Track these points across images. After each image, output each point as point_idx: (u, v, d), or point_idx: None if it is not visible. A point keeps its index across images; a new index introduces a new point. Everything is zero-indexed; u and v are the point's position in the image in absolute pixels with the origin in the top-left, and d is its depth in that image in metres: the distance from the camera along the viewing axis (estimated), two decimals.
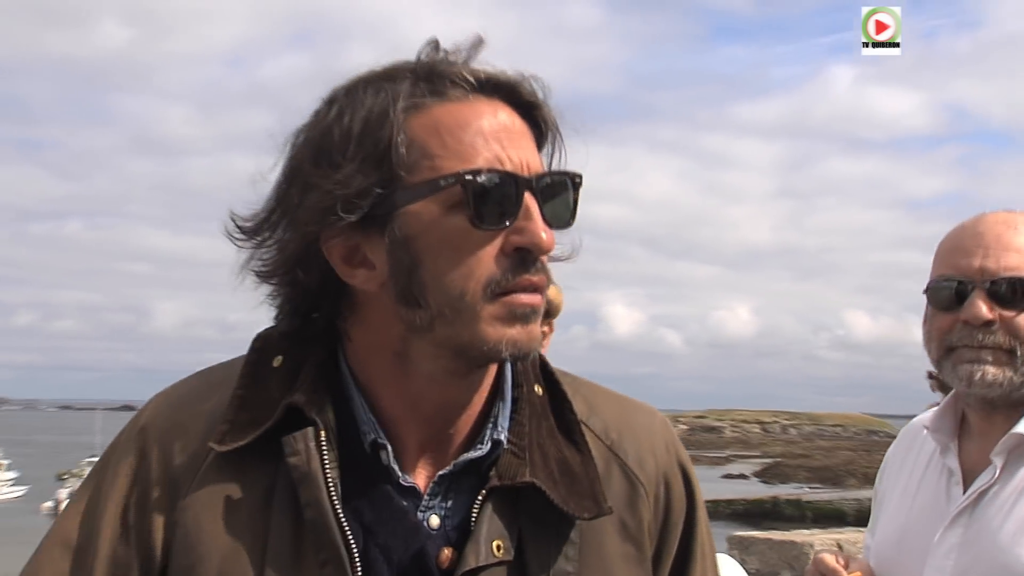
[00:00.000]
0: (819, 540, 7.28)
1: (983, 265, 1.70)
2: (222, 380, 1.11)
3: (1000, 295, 1.69)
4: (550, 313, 2.65)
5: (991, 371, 1.69)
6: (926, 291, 1.79)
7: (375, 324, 1.08)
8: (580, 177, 1.08)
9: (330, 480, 1.02)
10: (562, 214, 1.07)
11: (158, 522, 1.06)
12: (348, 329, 1.10)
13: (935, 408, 1.90)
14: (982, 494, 1.72)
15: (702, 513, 1.22)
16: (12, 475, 69.41)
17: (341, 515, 1.01)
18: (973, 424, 1.81)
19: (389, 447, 1.07)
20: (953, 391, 1.84)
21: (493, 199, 1.01)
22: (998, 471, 1.70)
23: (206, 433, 1.07)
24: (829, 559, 1.78)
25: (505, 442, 1.10)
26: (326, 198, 1.01)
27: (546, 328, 2.69)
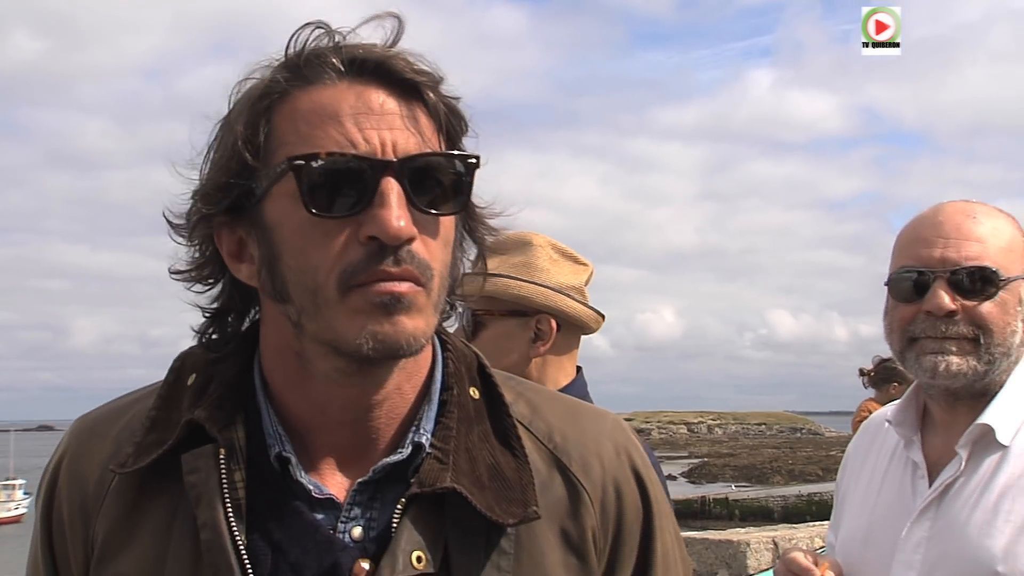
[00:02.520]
0: (755, 538, 7.34)
1: (944, 255, 1.68)
2: (137, 401, 1.09)
3: (962, 285, 1.67)
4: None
5: (955, 361, 1.67)
6: (887, 283, 1.77)
7: (272, 323, 1.04)
8: (475, 158, 1.02)
9: (228, 499, 0.97)
10: (441, 199, 1.00)
11: (76, 551, 1.05)
12: (261, 334, 1.08)
13: (896, 402, 1.88)
14: (948, 487, 1.70)
15: (664, 521, 1.16)
16: None
17: (238, 536, 0.97)
18: (936, 416, 1.79)
19: (294, 459, 1.02)
20: (914, 383, 1.82)
21: (334, 185, 0.96)
22: (963, 463, 1.69)
23: (112, 456, 1.04)
24: (800, 557, 1.74)
25: (427, 446, 1.04)
26: (201, 193, 1.01)
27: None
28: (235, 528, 0.97)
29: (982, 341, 1.68)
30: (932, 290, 1.68)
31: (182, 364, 1.09)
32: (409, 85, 1.00)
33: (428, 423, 1.06)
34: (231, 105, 1.03)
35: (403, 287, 0.96)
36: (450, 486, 1.01)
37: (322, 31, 1.02)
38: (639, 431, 1.23)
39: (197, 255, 1.05)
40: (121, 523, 1.01)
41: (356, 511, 1.02)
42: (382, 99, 0.99)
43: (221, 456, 0.98)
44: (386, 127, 0.97)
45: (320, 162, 0.95)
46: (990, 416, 1.68)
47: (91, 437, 1.08)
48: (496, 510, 1.02)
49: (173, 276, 1.07)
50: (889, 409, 1.88)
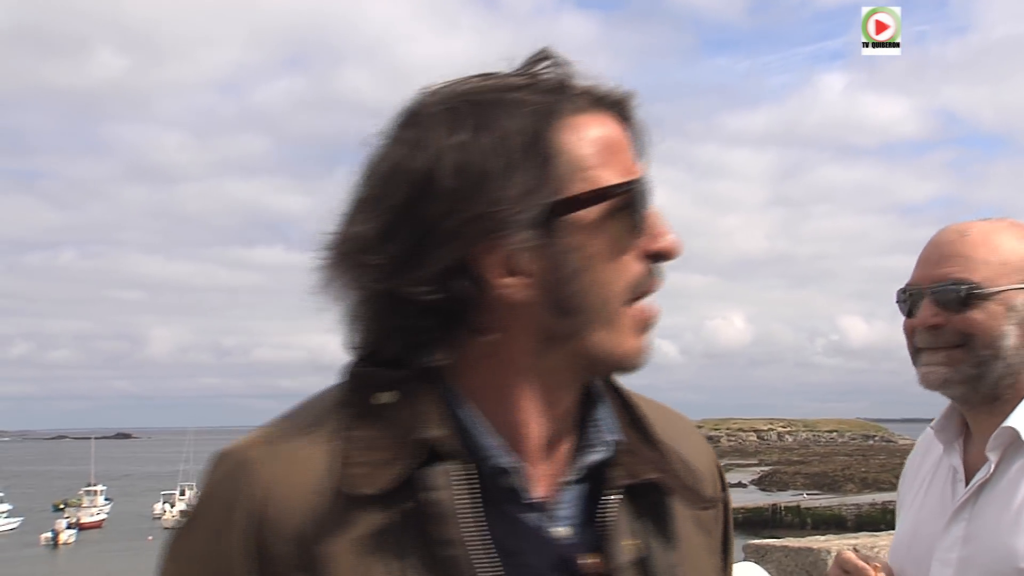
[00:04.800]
0: (835, 546, 7.28)
1: (930, 273, 1.83)
2: (311, 424, 1.04)
3: (943, 300, 1.80)
4: None
5: (941, 370, 1.79)
6: (896, 300, 1.92)
7: (508, 339, 1.04)
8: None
9: (466, 515, 0.99)
10: None
11: None
12: (463, 349, 1.05)
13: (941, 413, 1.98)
14: (981, 488, 1.79)
15: (731, 509, 1.25)
16: (5, 507, 69.10)
17: (480, 551, 0.98)
18: (970, 422, 1.89)
19: (514, 469, 1.03)
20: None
21: (640, 207, 1.04)
22: (993, 466, 1.77)
23: (320, 481, 0.99)
24: (854, 557, 1.83)
25: (617, 441, 1.09)
26: (491, 212, 0.99)
27: None
28: (477, 542, 0.98)
29: (968, 346, 1.78)
30: (918, 306, 1.83)
31: (362, 382, 1.05)
32: (632, 124, 1.09)
33: (608, 419, 1.10)
34: (496, 127, 1.01)
35: (657, 310, 1.07)
36: (654, 477, 1.07)
37: (557, 61, 1.08)
38: (708, 439, 1.31)
39: (438, 267, 1.00)
40: (351, 548, 0.97)
41: (565, 510, 1.06)
42: (623, 132, 1.08)
43: (455, 473, 0.99)
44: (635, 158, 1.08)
45: (635, 186, 1.03)
46: (1015, 419, 1.77)
47: (282, 462, 1.01)
48: (688, 497, 1.10)
49: (405, 290, 1.01)
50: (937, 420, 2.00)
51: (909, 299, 1.85)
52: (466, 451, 1.01)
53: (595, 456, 1.08)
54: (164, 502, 73.00)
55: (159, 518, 69.90)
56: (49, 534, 59.97)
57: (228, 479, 1.02)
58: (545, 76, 1.06)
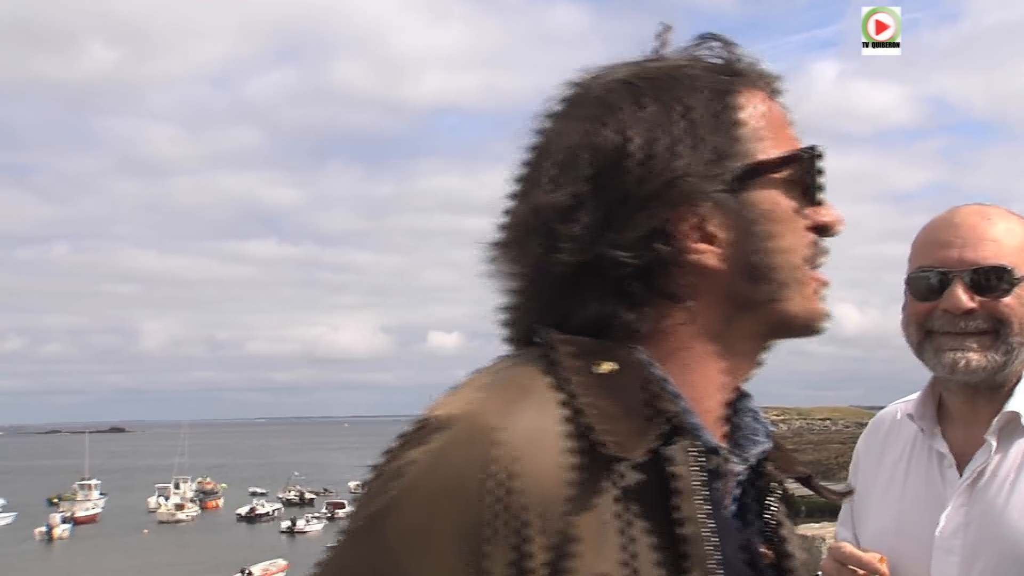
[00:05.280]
0: (829, 533, 7.31)
1: (962, 255, 1.77)
2: (532, 389, 0.99)
3: (979, 283, 1.76)
4: None
5: (975, 357, 1.75)
6: (906, 282, 1.85)
7: (700, 307, 1.05)
8: None
9: (701, 493, 0.99)
10: None
11: (535, 559, 0.93)
12: (659, 318, 1.05)
13: (906, 399, 1.96)
14: (980, 474, 1.77)
15: None
16: (0, 502, 69.04)
17: (709, 530, 0.98)
18: (953, 408, 1.86)
19: (724, 449, 1.05)
20: (932, 377, 1.89)
21: (816, 178, 1.09)
22: (993, 450, 1.76)
23: (566, 448, 0.96)
24: (856, 550, 1.80)
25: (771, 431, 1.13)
26: (684, 178, 1.02)
27: None
28: (710, 521, 0.98)
29: (1001, 333, 1.75)
30: (951, 288, 1.76)
31: (578, 349, 1.02)
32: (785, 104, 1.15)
33: (758, 408, 1.14)
34: (681, 102, 1.05)
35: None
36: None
37: (720, 43, 1.13)
38: None
39: (638, 232, 1.02)
40: (597, 519, 0.96)
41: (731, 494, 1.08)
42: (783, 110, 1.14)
43: (692, 450, 0.99)
44: None
45: (814, 157, 1.08)
46: (1016, 403, 1.76)
47: (521, 430, 0.96)
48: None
49: (612, 253, 1.01)
50: (900, 405, 1.97)
51: (936, 280, 1.79)
52: (690, 428, 1.01)
53: (762, 447, 1.10)
54: (159, 496, 72.97)
55: (154, 512, 69.92)
56: (44, 528, 59.87)
57: (466, 446, 0.94)
58: (711, 57, 1.10)
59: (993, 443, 1.76)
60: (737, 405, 1.11)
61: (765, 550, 1.08)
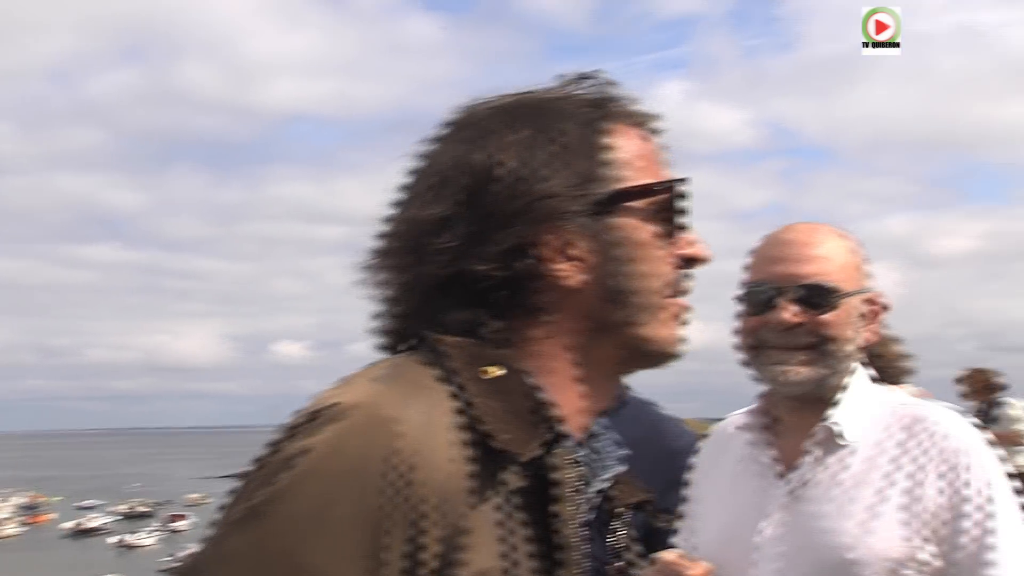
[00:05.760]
0: None
1: (790, 272, 1.85)
2: (424, 387, 1.01)
3: (805, 299, 1.83)
4: None
5: (799, 371, 1.82)
6: (739, 296, 1.91)
7: (563, 323, 1.10)
8: None
9: (576, 498, 1.04)
10: None
11: (429, 550, 0.94)
12: (523, 333, 1.09)
13: (745, 410, 2.01)
14: (800, 484, 1.84)
15: None
16: None
17: (579, 535, 1.04)
18: (784, 419, 1.92)
19: (593, 463, 1.14)
20: (766, 390, 1.95)
21: (681, 209, 1.14)
22: (813, 461, 1.84)
23: (463, 442, 0.98)
24: (676, 559, 1.82)
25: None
26: (550, 198, 1.07)
27: None
28: (583, 525, 1.05)
29: (824, 348, 1.83)
30: (778, 304, 1.83)
31: (464, 351, 1.05)
32: (661, 142, 1.20)
33: (611, 433, 1.20)
34: (554, 128, 1.10)
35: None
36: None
37: (598, 80, 1.18)
38: None
39: (501, 247, 1.06)
40: (488, 513, 0.98)
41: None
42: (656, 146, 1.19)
43: (569, 456, 1.04)
44: None
45: (679, 188, 1.13)
46: (835, 417, 1.83)
47: (421, 422, 0.97)
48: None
49: (477, 268, 1.07)
50: (736, 416, 2.03)
51: (762, 296, 1.85)
52: (567, 437, 1.06)
53: (614, 470, 1.16)
54: None
55: None
56: None
57: (368, 434, 0.94)
58: (587, 91, 1.16)
59: (813, 455, 1.83)
60: (595, 429, 1.17)
61: (613, 566, 1.14)
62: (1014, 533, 1.75)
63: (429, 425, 0.97)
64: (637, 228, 1.10)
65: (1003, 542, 1.73)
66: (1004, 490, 1.78)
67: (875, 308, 1.92)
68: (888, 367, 4.37)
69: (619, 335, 1.10)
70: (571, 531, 1.02)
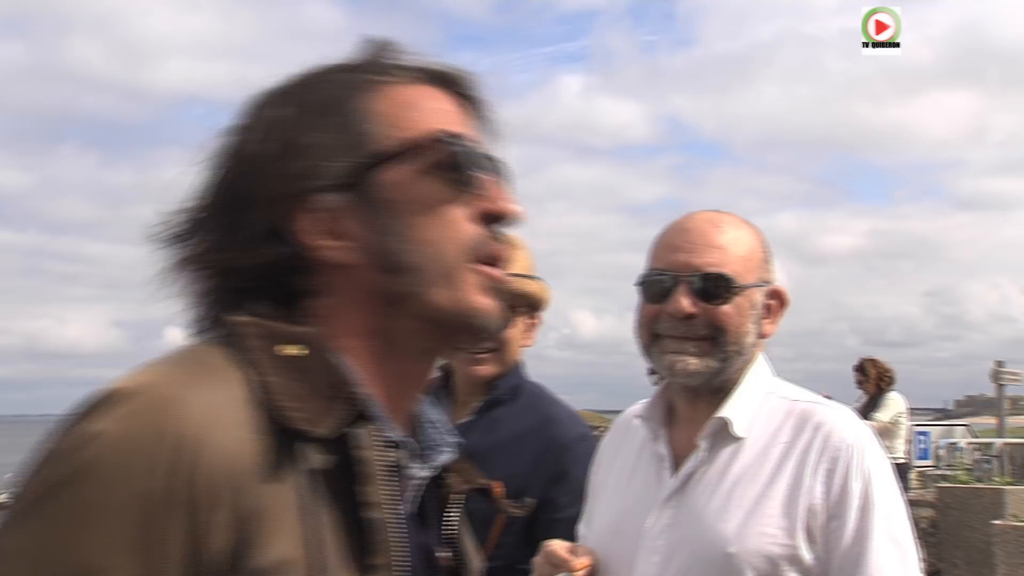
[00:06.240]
0: None
1: (687, 261, 1.82)
2: (214, 367, 0.97)
3: (702, 290, 1.81)
4: (537, 306, 2.59)
5: (692, 361, 1.80)
6: (638, 283, 1.89)
7: (348, 302, 1.03)
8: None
9: (386, 480, 0.98)
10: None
11: (218, 536, 0.89)
12: (313, 317, 1.04)
13: (647, 399, 2.00)
14: (690, 476, 1.83)
15: None
16: None
17: (394, 519, 0.97)
18: (680, 411, 1.91)
19: (409, 451, 1.06)
20: (665, 380, 1.94)
21: (464, 167, 1.04)
22: (703, 454, 1.82)
23: (255, 421, 0.93)
24: (559, 548, 1.83)
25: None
26: (295, 174, 1.01)
27: (534, 320, 2.61)
28: (397, 507, 0.98)
29: (718, 340, 1.81)
30: (674, 293, 1.81)
31: (260, 331, 1.01)
32: (471, 101, 1.12)
33: (444, 420, 1.15)
34: (310, 96, 1.05)
35: (505, 275, 1.06)
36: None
37: (386, 45, 1.11)
38: None
39: (250, 233, 1.02)
40: (285, 493, 0.92)
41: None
42: (459, 108, 1.10)
43: (377, 436, 0.98)
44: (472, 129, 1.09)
45: (460, 140, 1.04)
46: (727, 411, 1.82)
47: (206, 402, 0.93)
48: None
49: (207, 257, 1.04)
50: (639, 406, 2.01)
51: (659, 284, 1.82)
52: (375, 416, 1.00)
53: (445, 457, 1.10)
54: None
55: None
56: None
57: (148, 417, 0.90)
58: (371, 54, 1.09)
59: (704, 447, 1.81)
60: (424, 416, 1.13)
61: (444, 554, 1.09)
62: (893, 535, 1.73)
63: (216, 406, 0.93)
64: (412, 191, 1.02)
65: (880, 543, 1.71)
66: (887, 491, 1.76)
67: (776, 301, 1.90)
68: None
69: (410, 308, 1.02)
70: (384, 515, 0.96)
